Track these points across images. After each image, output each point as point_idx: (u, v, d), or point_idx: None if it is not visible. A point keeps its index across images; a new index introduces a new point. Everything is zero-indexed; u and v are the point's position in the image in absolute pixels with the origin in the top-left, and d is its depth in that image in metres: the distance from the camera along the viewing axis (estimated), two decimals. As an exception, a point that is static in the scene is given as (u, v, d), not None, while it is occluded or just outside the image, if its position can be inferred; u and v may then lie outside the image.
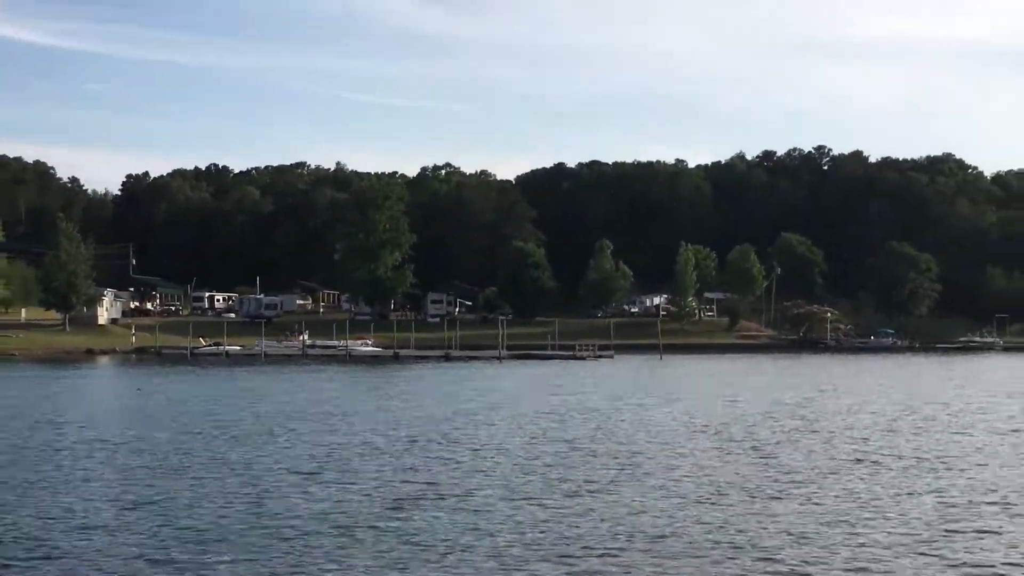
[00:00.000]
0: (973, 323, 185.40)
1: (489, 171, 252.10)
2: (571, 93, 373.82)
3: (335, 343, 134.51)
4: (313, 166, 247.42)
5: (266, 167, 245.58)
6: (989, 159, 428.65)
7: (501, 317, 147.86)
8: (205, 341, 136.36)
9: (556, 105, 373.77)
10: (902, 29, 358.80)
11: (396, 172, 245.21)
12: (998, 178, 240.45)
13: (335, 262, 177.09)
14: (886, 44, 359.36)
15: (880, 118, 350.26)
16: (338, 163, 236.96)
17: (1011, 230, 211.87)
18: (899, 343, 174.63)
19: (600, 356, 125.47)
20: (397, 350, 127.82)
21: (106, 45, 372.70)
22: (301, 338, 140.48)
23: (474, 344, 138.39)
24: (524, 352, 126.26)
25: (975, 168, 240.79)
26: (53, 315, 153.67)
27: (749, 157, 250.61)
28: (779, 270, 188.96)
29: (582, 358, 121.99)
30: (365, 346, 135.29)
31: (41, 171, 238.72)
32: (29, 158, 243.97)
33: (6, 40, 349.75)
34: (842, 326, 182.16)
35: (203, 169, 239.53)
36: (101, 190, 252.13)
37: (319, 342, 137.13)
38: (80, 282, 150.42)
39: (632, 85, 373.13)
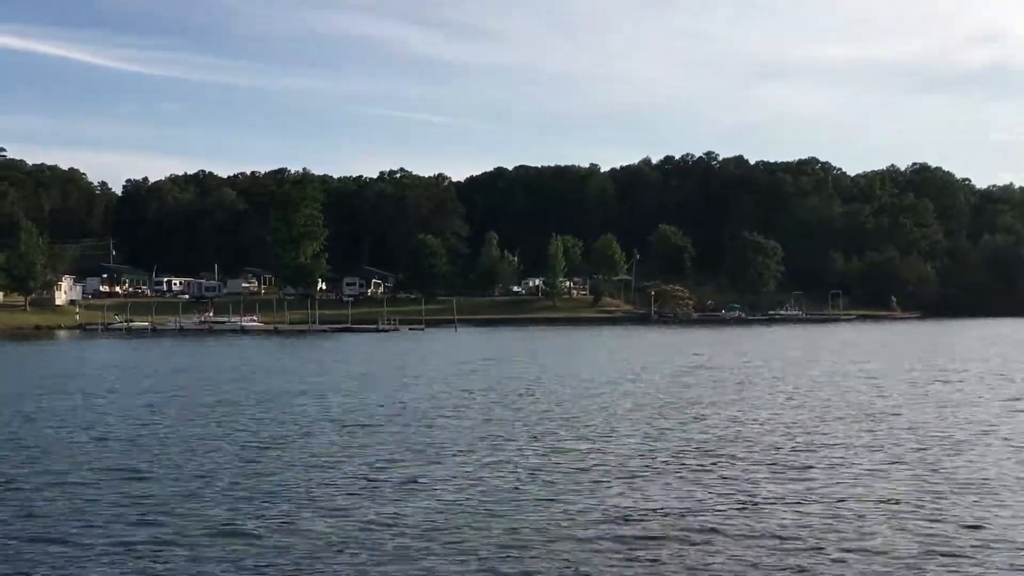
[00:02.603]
0: (817, 298, 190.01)
1: (445, 174, 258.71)
2: (535, 108, 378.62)
3: (224, 319, 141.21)
4: (294, 171, 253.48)
5: (252, 172, 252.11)
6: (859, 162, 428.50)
7: (349, 298, 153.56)
8: (119, 318, 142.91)
9: (519, 119, 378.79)
10: (822, 54, 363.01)
11: (361, 175, 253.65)
12: (857, 178, 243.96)
13: (256, 250, 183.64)
14: (809, 67, 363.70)
15: (783, 129, 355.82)
16: (304, 168, 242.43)
17: (853, 221, 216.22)
18: (741, 315, 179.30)
19: (412, 329, 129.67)
20: (244, 324, 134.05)
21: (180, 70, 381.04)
22: (207, 314, 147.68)
23: (361, 319, 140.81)
24: (343, 326, 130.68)
25: (839, 169, 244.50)
26: (17, 297, 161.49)
27: (654, 161, 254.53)
28: (638, 256, 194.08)
29: (385, 330, 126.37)
30: (252, 322, 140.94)
31: (69, 177, 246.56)
32: (78, 164, 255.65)
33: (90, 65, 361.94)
34: (690, 302, 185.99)
35: (191, 174, 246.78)
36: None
37: (213, 318, 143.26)
38: (37, 270, 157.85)
39: (587, 102, 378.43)
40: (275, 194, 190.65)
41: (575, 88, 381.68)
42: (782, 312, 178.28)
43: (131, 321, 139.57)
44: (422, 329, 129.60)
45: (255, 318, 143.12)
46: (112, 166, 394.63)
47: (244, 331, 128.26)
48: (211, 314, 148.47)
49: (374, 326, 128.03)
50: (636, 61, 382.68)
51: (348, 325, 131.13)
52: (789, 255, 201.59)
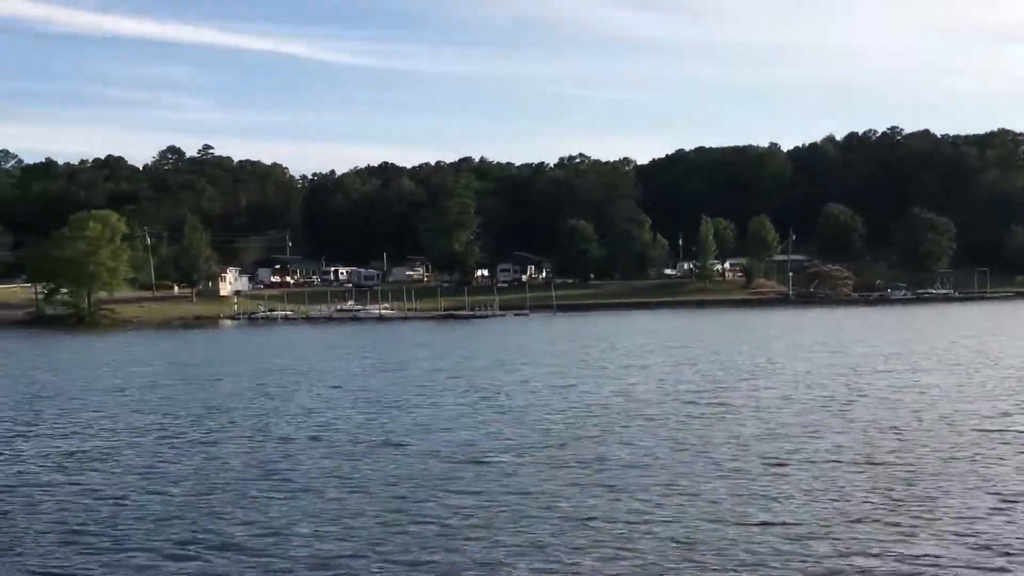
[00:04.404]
0: (995, 275, 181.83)
1: (629, 157, 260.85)
2: (737, 84, 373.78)
3: (358, 308, 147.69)
4: (477, 159, 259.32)
5: (437, 162, 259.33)
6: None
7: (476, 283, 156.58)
8: (261, 307, 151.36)
9: (720, 95, 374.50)
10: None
11: (543, 162, 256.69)
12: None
13: (421, 239, 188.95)
14: None
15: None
16: (482, 157, 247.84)
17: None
18: (907, 295, 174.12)
19: (518, 314, 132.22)
20: (357, 313, 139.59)
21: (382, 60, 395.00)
22: (349, 303, 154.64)
23: (505, 305, 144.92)
24: (449, 312, 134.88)
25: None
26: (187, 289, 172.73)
27: (838, 138, 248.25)
28: (794, 236, 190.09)
29: (482, 317, 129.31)
30: (385, 310, 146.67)
31: (268, 171, 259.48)
32: (283, 157, 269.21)
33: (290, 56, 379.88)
34: (848, 281, 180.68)
35: (375, 166, 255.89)
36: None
37: (345, 307, 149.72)
38: (201, 263, 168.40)
39: (789, 76, 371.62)
40: (431, 185, 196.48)
41: (779, 62, 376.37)
42: (931, 291, 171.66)
43: (272, 310, 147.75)
44: (527, 315, 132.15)
45: (387, 306, 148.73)
46: (314, 157, 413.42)
47: (356, 319, 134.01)
48: (352, 302, 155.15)
49: (486, 312, 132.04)
50: (850, 33, 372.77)
51: (451, 312, 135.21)
52: (969, 231, 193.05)
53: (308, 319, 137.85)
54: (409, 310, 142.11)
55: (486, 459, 26.47)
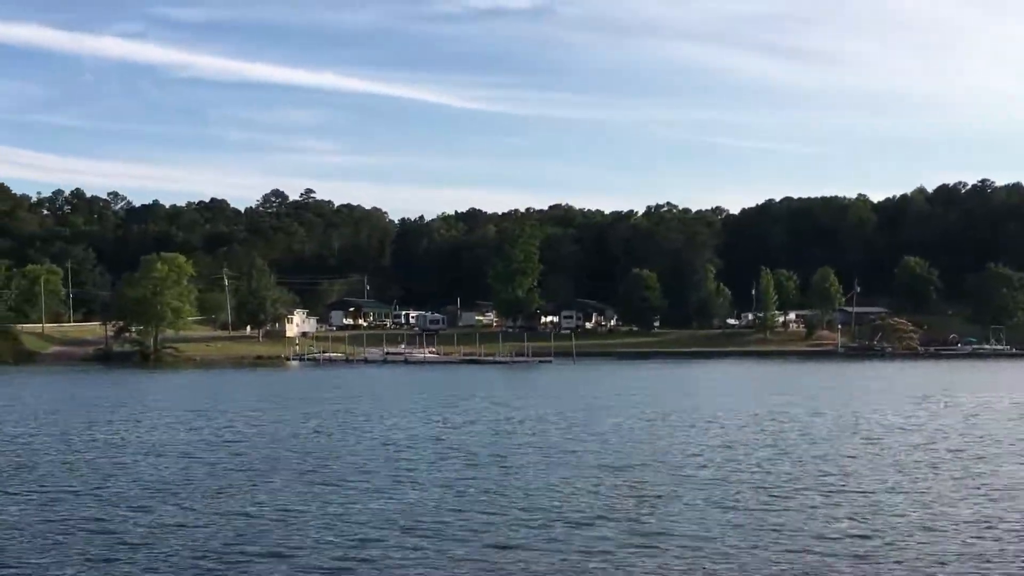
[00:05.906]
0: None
1: (722, 207, 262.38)
2: (855, 133, 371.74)
3: (406, 351, 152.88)
4: (577, 207, 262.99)
5: (527, 209, 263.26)
6: None
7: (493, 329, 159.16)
8: (315, 348, 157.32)
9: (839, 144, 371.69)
10: None
11: (632, 210, 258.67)
12: None
13: (487, 285, 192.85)
14: None
15: None
16: (568, 204, 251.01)
17: None
18: (975, 350, 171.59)
19: (543, 362, 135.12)
20: (387, 355, 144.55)
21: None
22: (400, 346, 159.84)
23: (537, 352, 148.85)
24: (471, 358, 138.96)
25: None
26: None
27: (930, 190, 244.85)
28: (859, 288, 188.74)
29: (502, 362, 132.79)
30: (431, 354, 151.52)
31: (365, 215, 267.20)
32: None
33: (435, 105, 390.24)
34: (915, 335, 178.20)
35: (462, 212, 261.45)
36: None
37: (392, 350, 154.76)
38: (267, 305, 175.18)
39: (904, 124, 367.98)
40: (497, 232, 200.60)
41: (884, 110, 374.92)
42: (985, 346, 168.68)
43: (323, 351, 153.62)
44: (549, 361, 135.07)
45: (432, 350, 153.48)
46: (415, 201, 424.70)
47: (387, 361, 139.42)
48: (404, 346, 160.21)
49: (506, 359, 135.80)
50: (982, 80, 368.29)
51: (478, 356, 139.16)
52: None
53: (347, 361, 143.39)
54: (447, 354, 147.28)
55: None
